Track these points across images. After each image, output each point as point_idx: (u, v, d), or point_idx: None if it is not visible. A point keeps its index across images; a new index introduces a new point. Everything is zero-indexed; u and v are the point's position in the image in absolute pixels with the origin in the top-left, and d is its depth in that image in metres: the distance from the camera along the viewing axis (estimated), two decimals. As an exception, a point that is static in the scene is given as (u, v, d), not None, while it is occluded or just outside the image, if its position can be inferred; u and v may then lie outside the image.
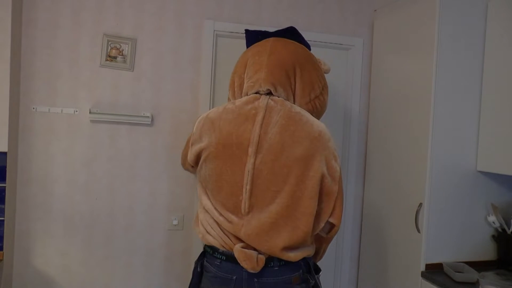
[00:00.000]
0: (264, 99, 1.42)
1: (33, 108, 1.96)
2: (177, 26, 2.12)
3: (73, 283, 2.04)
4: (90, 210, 2.04)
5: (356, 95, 2.37)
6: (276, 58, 1.48)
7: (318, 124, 1.40)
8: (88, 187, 2.04)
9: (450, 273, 1.74)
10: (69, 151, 2.01)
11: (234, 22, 2.17)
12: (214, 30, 2.14)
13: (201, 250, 1.55)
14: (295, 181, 1.34)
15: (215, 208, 1.43)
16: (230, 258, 1.38)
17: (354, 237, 2.41)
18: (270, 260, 1.37)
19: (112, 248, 2.08)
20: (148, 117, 2.06)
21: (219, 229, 1.42)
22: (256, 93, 1.46)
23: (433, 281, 1.75)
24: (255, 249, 1.36)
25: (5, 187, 1.82)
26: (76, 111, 2.01)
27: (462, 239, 1.88)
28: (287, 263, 1.38)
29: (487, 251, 1.93)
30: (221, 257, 1.40)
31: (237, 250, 1.35)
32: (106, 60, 2.02)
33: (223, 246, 1.41)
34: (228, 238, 1.40)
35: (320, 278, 1.53)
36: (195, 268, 1.50)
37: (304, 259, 1.42)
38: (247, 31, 1.72)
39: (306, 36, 1.65)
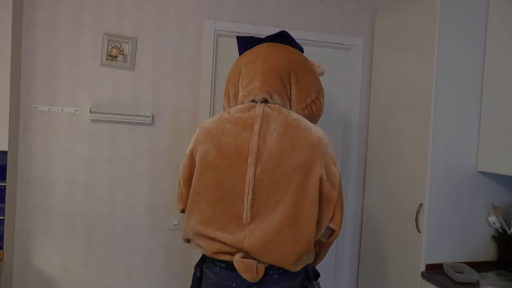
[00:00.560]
0: (260, 107, 1.40)
1: (34, 107, 1.96)
2: (178, 25, 2.12)
3: (73, 282, 2.04)
4: (90, 209, 2.04)
5: (356, 95, 2.37)
6: (270, 66, 1.45)
7: (316, 130, 1.39)
8: (88, 186, 2.04)
9: (450, 274, 1.74)
10: (70, 150, 2.01)
11: (234, 22, 2.17)
12: (214, 30, 2.14)
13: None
14: (296, 189, 1.32)
15: (207, 225, 1.37)
16: (229, 266, 1.35)
17: (354, 237, 2.41)
18: (270, 268, 1.34)
19: (112, 248, 2.08)
20: (148, 116, 2.06)
21: (214, 244, 1.37)
22: (251, 101, 1.43)
23: (433, 282, 1.75)
24: (254, 258, 1.33)
25: (5, 186, 1.82)
26: (77, 110, 2.01)
27: (463, 239, 1.88)
28: (286, 271, 1.36)
29: (487, 252, 1.93)
30: (221, 264, 1.38)
31: (237, 261, 1.32)
32: (107, 59, 2.02)
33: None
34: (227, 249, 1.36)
35: (320, 278, 1.52)
36: (195, 273, 1.49)
37: None
38: (238, 38, 1.67)
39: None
